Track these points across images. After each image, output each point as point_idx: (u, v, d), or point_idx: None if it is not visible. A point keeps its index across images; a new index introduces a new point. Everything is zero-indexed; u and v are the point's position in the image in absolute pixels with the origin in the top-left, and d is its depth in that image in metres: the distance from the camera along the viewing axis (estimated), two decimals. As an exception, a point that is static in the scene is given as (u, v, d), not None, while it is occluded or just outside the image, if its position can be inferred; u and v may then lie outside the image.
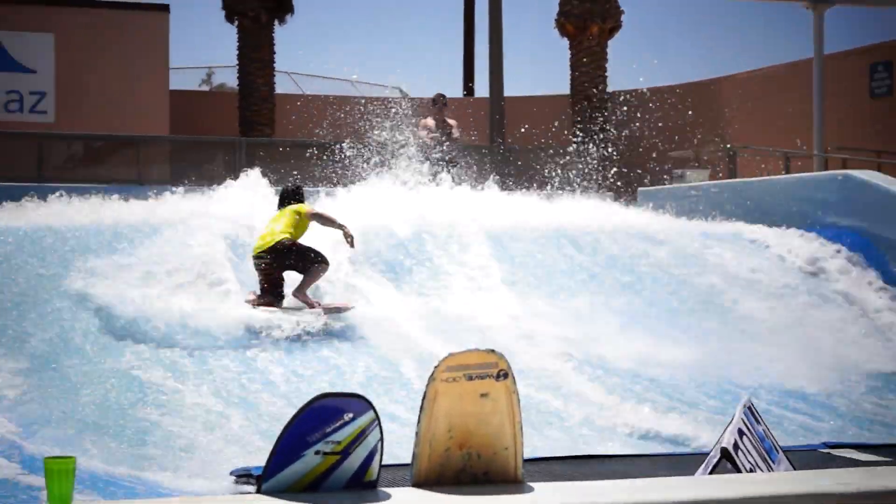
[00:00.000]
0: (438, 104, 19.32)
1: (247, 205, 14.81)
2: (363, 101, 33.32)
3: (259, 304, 12.59)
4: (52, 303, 12.23)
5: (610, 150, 30.25)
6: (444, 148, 18.99)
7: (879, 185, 17.25)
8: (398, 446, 7.11)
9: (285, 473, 4.85)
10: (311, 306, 12.63)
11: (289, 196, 13.44)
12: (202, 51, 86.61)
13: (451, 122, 19.31)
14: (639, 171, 26.36)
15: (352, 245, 13.10)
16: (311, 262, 12.78)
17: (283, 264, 12.76)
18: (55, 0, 27.42)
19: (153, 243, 13.46)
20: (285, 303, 12.79)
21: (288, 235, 12.77)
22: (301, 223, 13.00)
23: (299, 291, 12.76)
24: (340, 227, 13.10)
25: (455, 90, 38.26)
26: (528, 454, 5.51)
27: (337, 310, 12.68)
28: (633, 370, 12.63)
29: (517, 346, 12.60)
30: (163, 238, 13.55)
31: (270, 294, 12.73)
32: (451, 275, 14.27)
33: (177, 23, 72.74)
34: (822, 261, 16.53)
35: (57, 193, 15.41)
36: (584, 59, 30.97)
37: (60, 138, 23.26)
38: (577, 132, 30.59)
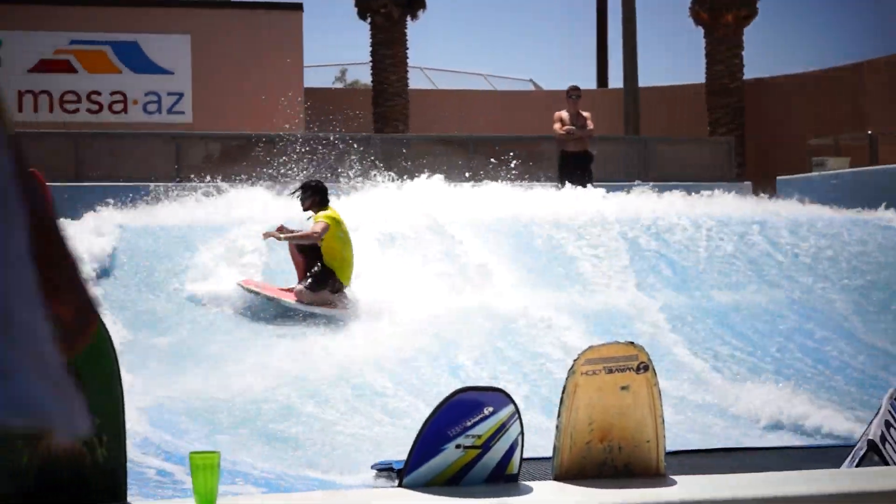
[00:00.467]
0: (572, 96, 19.22)
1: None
2: (497, 95, 33.48)
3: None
4: (194, 296, 12.47)
5: (746, 139, 29.95)
6: (579, 140, 18.92)
7: None
8: (539, 440, 7.10)
9: (426, 467, 4.86)
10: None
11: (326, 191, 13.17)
12: (335, 48, 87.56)
13: (586, 114, 19.19)
14: (777, 161, 26.00)
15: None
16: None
17: None
18: (191, 2, 27.93)
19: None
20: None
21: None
22: None
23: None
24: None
25: (588, 82, 38.10)
26: (668, 447, 5.45)
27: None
28: (780, 362, 12.50)
29: (657, 339, 12.53)
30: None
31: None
32: (588, 268, 14.21)
33: (310, 21, 73.67)
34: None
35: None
36: (720, 48, 30.63)
37: (198, 138, 23.65)
38: (714, 122, 30.36)
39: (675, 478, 5.05)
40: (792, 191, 19.73)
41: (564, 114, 19.11)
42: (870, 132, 23.47)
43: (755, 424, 10.24)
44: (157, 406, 9.56)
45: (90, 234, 13.35)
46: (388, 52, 30.47)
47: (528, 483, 4.94)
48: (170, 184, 17.67)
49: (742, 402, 10.69)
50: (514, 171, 17.93)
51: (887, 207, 17.52)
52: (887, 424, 6.20)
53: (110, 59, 26.47)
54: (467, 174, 16.64)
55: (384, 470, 7.68)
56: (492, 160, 17.87)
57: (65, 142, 21.12)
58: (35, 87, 25.88)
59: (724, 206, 16.85)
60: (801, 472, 5.40)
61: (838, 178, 20.02)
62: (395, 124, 29.53)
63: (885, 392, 6.65)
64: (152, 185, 16.95)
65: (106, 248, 13.33)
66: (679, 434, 9.50)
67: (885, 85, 27.76)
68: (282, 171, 17.44)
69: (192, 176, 17.58)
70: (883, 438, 6.02)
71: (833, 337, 13.35)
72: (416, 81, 32.37)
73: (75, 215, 14.22)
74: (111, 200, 15.10)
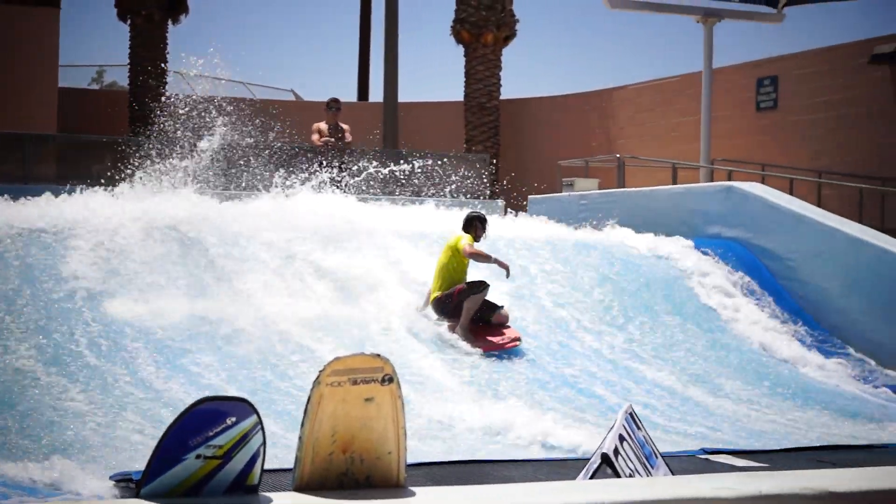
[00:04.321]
0: (332, 108, 19.31)
1: None
2: (256, 103, 33.21)
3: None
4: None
5: (501, 158, 30.51)
6: (337, 152, 18.98)
7: (762, 197, 17.56)
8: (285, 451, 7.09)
9: (165, 478, 4.81)
10: (470, 344, 13.43)
11: (465, 224, 14.10)
12: (93, 49, 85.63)
13: (345, 126, 19.32)
14: (530, 180, 26.56)
15: (508, 275, 13.91)
16: (460, 304, 13.61)
17: (444, 313, 13.75)
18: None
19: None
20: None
21: (439, 293, 13.70)
22: (456, 260, 13.77)
23: (456, 331, 13.61)
24: (496, 262, 13.84)
25: (350, 95, 38.22)
26: (411, 459, 5.52)
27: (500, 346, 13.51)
28: (520, 375, 12.75)
29: (405, 352, 12.64)
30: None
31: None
32: (340, 278, 14.22)
33: (67, 19, 71.76)
34: (705, 270, 16.76)
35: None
36: (479, 67, 31.12)
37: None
38: (470, 139, 30.83)
39: (415, 489, 5.12)
40: (542, 210, 20.23)
41: (323, 125, 19.19)
42: (618, 156, 24.22)
43: (500, 438, 10.41)
44: None
45: None
46: (148, 54, 29.98)
47: (267, 494, 4.93)
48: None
49: (487, 417, 10.85)
50: (274, 180, 17.83)
51: (630, 228, 18.08)
52: (621, 438, 6.43)
53: None
54: (224, 181, 16.42)
55: (122, 480, 7.56)
56: (253, 169, 17.71)
57: None
58: None
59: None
60: (538, 483, 5.56)
61: (587, 199, 20.58)
62: (152, 128, 28.99)
63: (621, 408, 6.89)
64: None
65: None
66: (421, 446, 9.62)
67: (635, 110, 28.68)
68: (31, 172, 16.91)
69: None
70: (616, 452, 6.24)
71: (582, 352, 13.73)
72: (175, 86, 31.87)
73: None
74: None
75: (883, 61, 21.98)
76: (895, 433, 11.56)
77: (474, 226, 14.00)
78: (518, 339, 13.54)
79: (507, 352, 13.38)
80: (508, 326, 13.78)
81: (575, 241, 17.10)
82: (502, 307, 13.87)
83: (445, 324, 13.65)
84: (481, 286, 13.59)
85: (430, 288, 13.92)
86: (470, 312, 13.53)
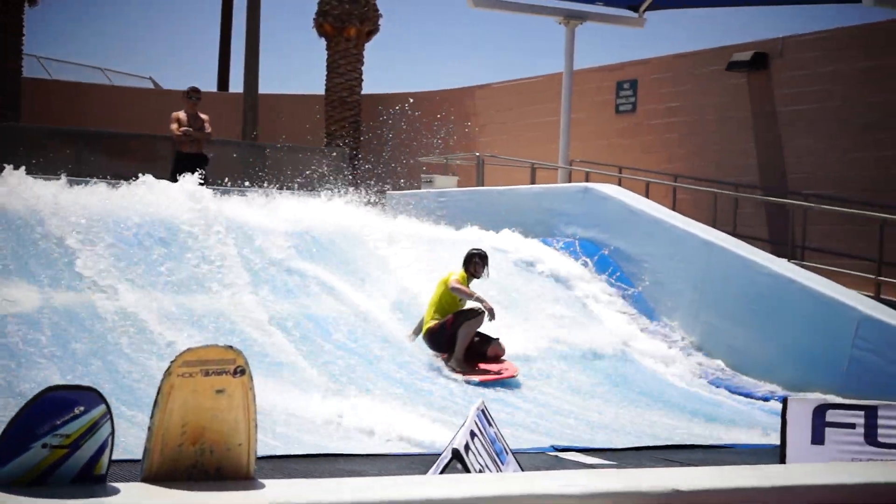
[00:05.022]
0: (191, 97, 19.11)
1: None
2: (114, 90, 32.79)
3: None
4: None
5: (362, 152, 30.52)
6: (195, 142, 18.81)
7: (618, 199, 17.83)
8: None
9: (10, 467, 4.73)
10: (464, 374, 13.27)
11: (465, 260, 14.13)
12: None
13: (204, 116, 19.14)
14: (390, 175, 26.63)
15: (492, 318, 13.57)
16: (454, 334, 13.51)
17: (437, 345, 13.68)
18: None
19: None
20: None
21: (432, 323, 13.64)
22: (449, 295, 13.73)
23: (451, 362, 13.48)
24: (478, 300, 13.62)
25: (210, 84, 37.88)
26: (264, 451, 5.50)
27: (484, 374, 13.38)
28: (368, 369, 12.78)
29: (260, 342, 12.60)
30: None
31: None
32: (192, 269, 14.10)
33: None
34: (562, 270, 16.97)
35: None
36: (341, 61, 31.10)
37: None
38: (330, 133, 30.79)
39: (265, 481, 5.11)
40: (400, 205, 20.29)
41: (182, 114, 18.98)
42: (477, 154, 24.38)
43: (353, 432, 10.41)
44: None
45: None
46: (2, 36, 29.34)
47: (115, 484, 4.88)
48: None
49: (340, 411, 10.85)
50: (130, 168, 17.64)
51: (487, 227, 18.24)
52: (472, 434, 6.47)
53: None
54: (78, 169, 16.18)
55: (-33, 469, 7.39)
56: (106, 156, 17.51)
57: None
58: None
59: (332, 216, 17.00)
60: (388, 477, 5.56)
61: (446, 196, 20.69)
62: (4, 112, 28.45)
63: (473, 404, 6.94)
64: None
65: None
66: (278, 439, 9.59)
67: (497, 109, 28.87)
68: None
69: None
70: (466, 447, 6.28)
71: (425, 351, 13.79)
72: (30, 70, 31.34)
73: None
74: None
75: (740, 68, 22.42)
76: (741, 434, 11.81)
77: (473, 262, 14.05)
78: (515, 373, 13.44)
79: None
80: (504, 360, 13.71)
81: (431, 238, 17.19)
82: (497, 339, 13.78)
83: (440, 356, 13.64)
84: (476, 313, 13.50)
85: (421, 319, 13.88)
86: (464, 342, 13.45)
